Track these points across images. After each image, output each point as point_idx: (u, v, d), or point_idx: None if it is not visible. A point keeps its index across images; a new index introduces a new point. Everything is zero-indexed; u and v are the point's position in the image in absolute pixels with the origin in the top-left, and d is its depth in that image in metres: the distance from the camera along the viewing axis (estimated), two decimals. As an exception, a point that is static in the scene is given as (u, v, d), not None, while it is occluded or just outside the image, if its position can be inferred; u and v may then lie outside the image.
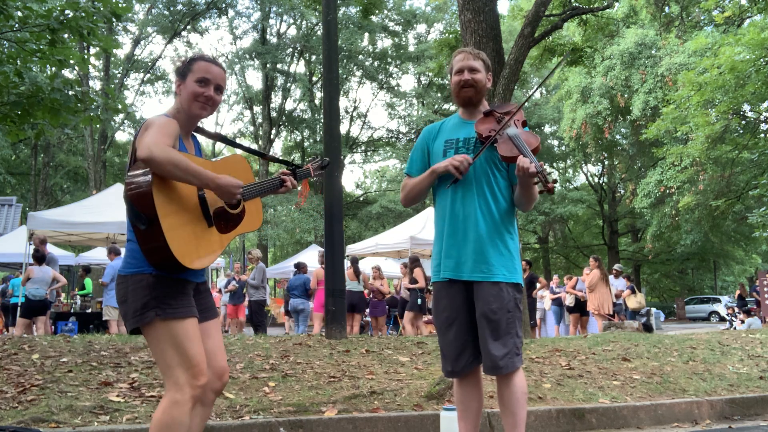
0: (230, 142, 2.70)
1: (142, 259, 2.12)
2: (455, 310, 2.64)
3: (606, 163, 32.31)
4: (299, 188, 2.71)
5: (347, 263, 10.13)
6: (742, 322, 15.47)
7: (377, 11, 13.21)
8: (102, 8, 5.94)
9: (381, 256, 16.27)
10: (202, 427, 2.28)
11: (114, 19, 6.06)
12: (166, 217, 2.05)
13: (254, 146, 33.23)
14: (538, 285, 12.57)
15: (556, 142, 34.46)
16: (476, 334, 2.61)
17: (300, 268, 11.17)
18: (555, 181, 2.38)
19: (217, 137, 2.62)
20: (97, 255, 16.42)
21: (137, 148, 2.07)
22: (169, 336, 2.11)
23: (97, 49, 6.58)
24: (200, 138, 2.51)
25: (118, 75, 29.86)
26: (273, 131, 32.67)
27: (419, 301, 10.62)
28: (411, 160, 2.87)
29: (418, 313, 10.74)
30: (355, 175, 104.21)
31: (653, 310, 13.83)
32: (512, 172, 2.60)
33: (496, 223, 2.61)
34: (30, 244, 10.74)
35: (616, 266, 13.44)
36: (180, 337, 2.11)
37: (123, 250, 10.64)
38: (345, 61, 30.60)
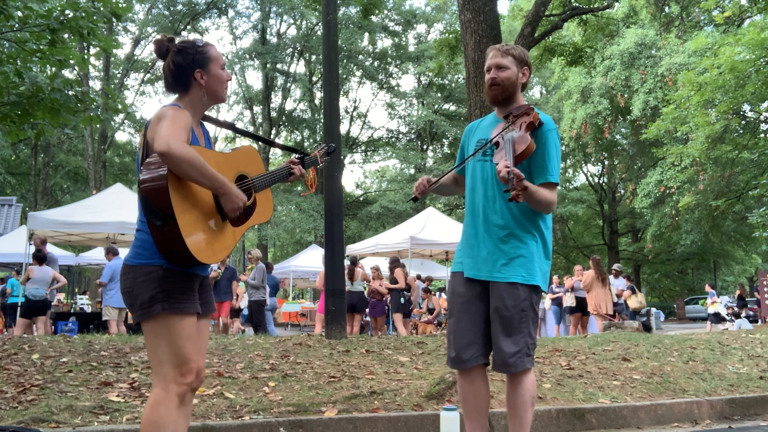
0: (239, 130, 2.69)
1: (154, 250, 2.09)
2: (470, 299, 2.64)
3: (606, 163, 32.32)
4: (307, 176, 2.71)
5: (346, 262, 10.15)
6: (732, 322, 15.54)
7: (377, 11, 13.22)
8: (102, 8, 5.95)
9: (381, 256, 16.26)
10: (186, 426, 2.27)
11: (114, 19, 6.07)
12: (183, 215, 2.03)
13: (255, 146, 33.21)
14: None
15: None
16: (487, 329, 2.60)
17: (269, 267, 11.39)
18: (524, 189, 2.30)
19: (225, 125, 2.60)
20: (97, 255, 16.44)
21: (154, 139, 2.02)
22: (168, 331, 2.10)
23: (97, 49, 6.59)
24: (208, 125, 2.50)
25: (118, 75, 29.90)
26: (273, 131, 32.67)
27: (402, 300, 10.61)
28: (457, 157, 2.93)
29: (401, 314, 10.76)
30: (355, 175, 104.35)
31: (653, 310, 13.83)
32: (534, 172, 2.59)
33: (519, 224, 2.60)
34: (30, 244, 10.74)
35: (616, 266, 13.44)
36: (177, 334, 2.11)
37: (121, 251, 10.55)
38: (345, 61, 30.62)
